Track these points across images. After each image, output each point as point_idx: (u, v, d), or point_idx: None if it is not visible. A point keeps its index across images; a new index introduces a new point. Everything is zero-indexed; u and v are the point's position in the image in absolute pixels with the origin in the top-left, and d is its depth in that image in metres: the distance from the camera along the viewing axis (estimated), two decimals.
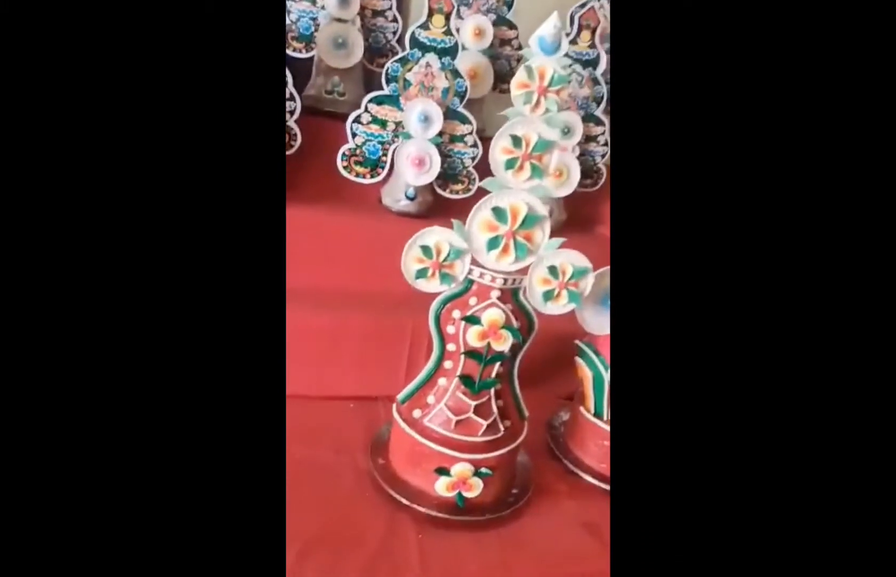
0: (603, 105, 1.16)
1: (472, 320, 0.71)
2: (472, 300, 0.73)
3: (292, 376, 0.77)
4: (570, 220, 1.22)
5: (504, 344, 0.72)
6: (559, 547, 0.76)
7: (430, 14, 1.00)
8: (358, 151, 1.06)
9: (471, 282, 0.73)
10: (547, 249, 0.72)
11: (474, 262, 0.72)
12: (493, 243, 0.70)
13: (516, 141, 0.66)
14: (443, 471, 0.75)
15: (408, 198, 1.07)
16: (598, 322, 0.84)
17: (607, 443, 0.88)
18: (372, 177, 1.08)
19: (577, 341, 0.91)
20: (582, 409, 0.92)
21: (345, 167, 1.07)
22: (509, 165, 0.67)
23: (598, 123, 1.16)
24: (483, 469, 0.76)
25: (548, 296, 0.74)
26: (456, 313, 0.73)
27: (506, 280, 0.72)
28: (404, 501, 0.76)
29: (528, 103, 0.65)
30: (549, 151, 0.67)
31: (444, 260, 0.71)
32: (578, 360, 0.91)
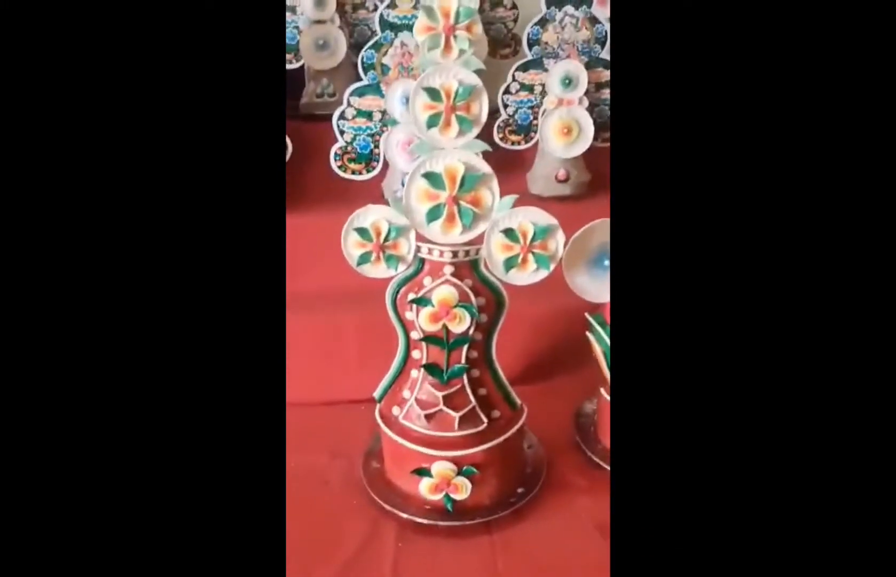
0: (608, 44, 1.01)
1: (422, 301, 0.64)
2: (427, 280, 0.66)
3: (295, 381, 0.74)
4: (596, 180, 1.08)
5: (461, 325, 0.64)
6: (562, 554, 0.66)
7: None
8: (349, 148, 1.03)
9: (422, 260, 0.66)
10: (499, 211, 0.63)
11: (422, 238, 0.65)
12: (433, 213, 0.62)
13: (433, 94, 0.58)
14: (423, 472, 0.69)
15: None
16: (597, 288, 0.72)
17: None
18: (368, 172, 1.05)
19: (586, 314, 0.80)
20: (602, 391, 0.80)
21: (339, 167, 1.04)
22: (432, 122, 0.59)
23: (607, 66, 1.02)
24: (467, 467, 0.68)
25: (510, 263, 0.64)
26: (411, 296, 0.66)
27: (456, 253, 0.64)
28: (387, 506, 0.70)
29: (436, 47, 0.57)
30: (477, 97, 0.58)
31: (386, 240, 0.64)
32: (588, 335, 0.79)
